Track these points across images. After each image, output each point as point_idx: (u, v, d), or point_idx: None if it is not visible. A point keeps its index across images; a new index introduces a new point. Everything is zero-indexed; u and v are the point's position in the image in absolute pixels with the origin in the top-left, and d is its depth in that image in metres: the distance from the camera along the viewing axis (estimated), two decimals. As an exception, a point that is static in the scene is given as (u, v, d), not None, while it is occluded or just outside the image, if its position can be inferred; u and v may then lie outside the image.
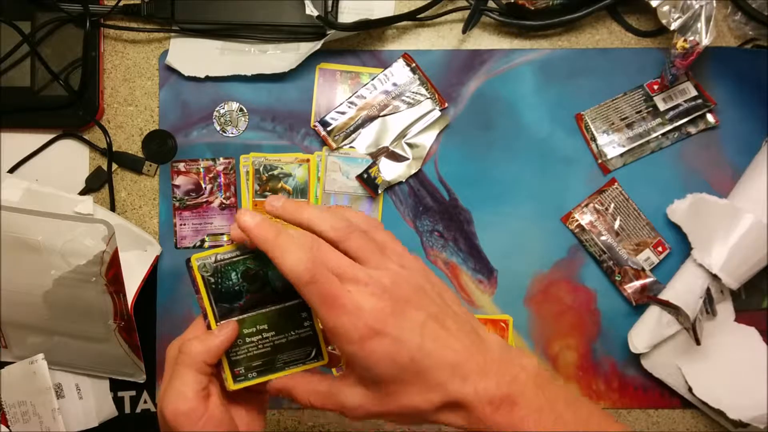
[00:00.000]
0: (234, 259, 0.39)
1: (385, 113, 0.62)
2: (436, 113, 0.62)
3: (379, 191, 0.62)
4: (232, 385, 0.40)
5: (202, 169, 0.63)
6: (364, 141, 0.62)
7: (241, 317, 0.39)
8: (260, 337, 0.40)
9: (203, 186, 0.63)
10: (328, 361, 0.41)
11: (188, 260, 0.39)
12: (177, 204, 0.63)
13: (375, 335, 0.34)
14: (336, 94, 0.63)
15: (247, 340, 0.40)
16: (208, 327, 0.39)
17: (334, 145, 0.62)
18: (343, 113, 0.62)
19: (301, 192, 0.62)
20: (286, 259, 0.35)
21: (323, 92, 0.63)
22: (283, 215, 0.38)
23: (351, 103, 0.62)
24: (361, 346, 0.34)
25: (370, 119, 0.62)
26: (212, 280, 0.39)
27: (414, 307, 0.36)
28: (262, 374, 0.40)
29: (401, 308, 0.35)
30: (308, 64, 0.62)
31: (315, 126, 0.62)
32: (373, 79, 0.62)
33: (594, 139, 0.62)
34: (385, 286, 0.35)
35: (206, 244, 0.63)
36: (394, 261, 0.37)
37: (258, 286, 0.39)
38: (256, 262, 0.39)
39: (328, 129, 0.62)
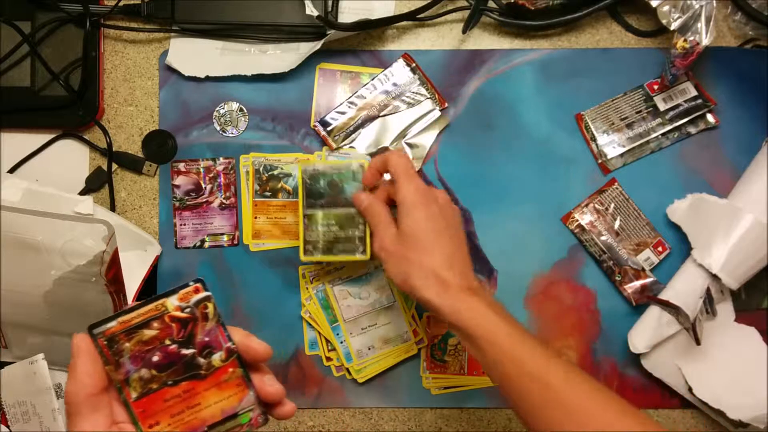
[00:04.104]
0: (327, 171, 0.55)
1: (385, 113, 0.62)
2: (436, 113, 0.62)
3: None
4: (303, 257, 0.55)
5: (202, 169, 0.63)
6: (364, 141, 0.62)
7: (320, 211, 0.55)
8: (328, 228, 0.55)
9: (203, 186, 0.63)
10: (369, 258, 0.55)
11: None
12: (177, 204, 0.63)
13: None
14: (336, 94, 0.63)
15: (320, 228, 0.55)
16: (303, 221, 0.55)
17: (334, 145, 0.62)
18: (343, 113, 0.62)
19: (301, 192, 0.63)
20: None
21: (323, 92, 0.63)
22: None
23: (351, 103, 0.62)
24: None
25: (371, 119, 0.62)
26: (308, 182, 0.55)
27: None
28: (324, 254, 0.55)
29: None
30: (308, 64, 0.62)
31: (315, 126, 0.62)
32: (373, 79, 0.62)
33: (594, 139, 0.62)
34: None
35: (206, 244, 0.63)
36: None
37: (336, 193, 0.55)
38: (340, 176, 0.55)
39: (328, 129, 0.62)
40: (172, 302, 0.37)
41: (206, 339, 0.37)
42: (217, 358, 0.37)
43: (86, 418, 0.35)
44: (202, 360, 0.37)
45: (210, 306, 0.37)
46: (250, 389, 0.38)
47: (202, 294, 0.37)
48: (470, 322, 0.46)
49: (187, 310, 0.37)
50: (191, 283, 0.38)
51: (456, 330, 0.48)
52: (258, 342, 0.38)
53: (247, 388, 0.38)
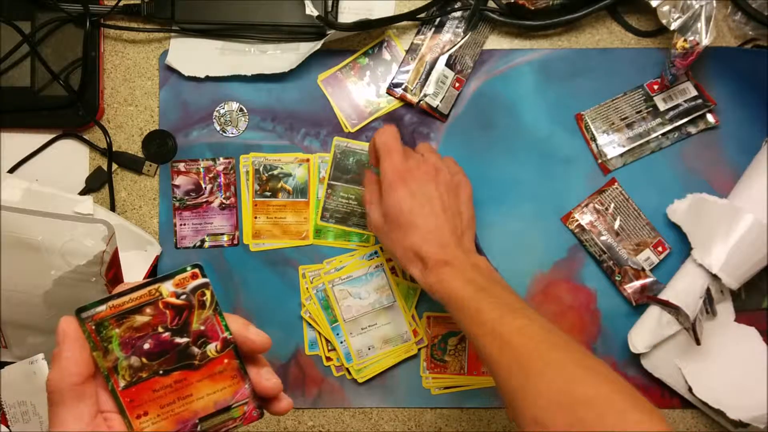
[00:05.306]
0: (357, 150, 0.61)
1: (449, 48, 0.62)
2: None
3: None
4: (318, 222, 0.61)
5: (202, 169, 0.63)
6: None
7: (343, 184, 0.61)
8: (347, 201, 0.61)
9: (203, 186, 0.63)
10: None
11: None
12: (177, 204, 0.63)
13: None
14: (351, 91, 0.63)
15: (340, 199, 0.60)
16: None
17: (415, 99, 0.62)
18: (406, 71, 0.62)
19: (301, 192, 0.62)
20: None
21: (339, 96, 0.63)
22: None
23: (410, 56, 0.62)
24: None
25: (437, 58, 0.62)
26: (339, 156, 0.61)
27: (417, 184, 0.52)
28: (337, 223, 0.61)
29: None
30: (308, 64, 0.62)
31: (389, 91, 0.62)
32: (422, 25, 0.62)
33: (594, 139, 0.62)
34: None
35: (206, 244, 0.63)
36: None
37: (361, 171, 0.60)
38: (367, 158, 0.60)
39: (403, 87, 0.62)
40: (167, 288, 0.35)
41: (201, 328, 0.35)
42: (212, 348, 0.36)
43: (70, 407, 0.33)
44: (196, 350, 0.35)
45: (207, 293, 0.36)
46: (246, 382, 0.36)
47: (200, 280, 0.36)
48: (444, 293, 0.49)
49: (183, 296, 0.35)
50: (188, 268, 0.36)
51: (439, 301, 0.50)
52: (256, 332, 0.36)
53: (242, 380, 0.36)
